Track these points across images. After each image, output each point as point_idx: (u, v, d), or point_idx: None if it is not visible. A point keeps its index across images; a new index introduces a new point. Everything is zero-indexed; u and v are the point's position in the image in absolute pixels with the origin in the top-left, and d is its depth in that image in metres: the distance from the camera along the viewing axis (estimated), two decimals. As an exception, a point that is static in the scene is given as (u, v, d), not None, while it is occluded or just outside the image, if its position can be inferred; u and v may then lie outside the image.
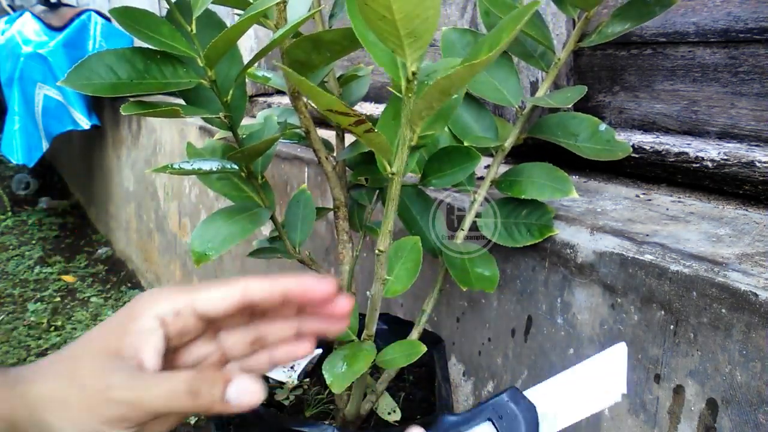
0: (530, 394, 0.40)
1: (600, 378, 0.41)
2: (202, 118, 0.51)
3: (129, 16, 0.43)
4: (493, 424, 0.39)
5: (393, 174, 0.43)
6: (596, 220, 0.62)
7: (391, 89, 0.40)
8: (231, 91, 0.48)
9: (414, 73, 0.36)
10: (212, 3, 0.46)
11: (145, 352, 0.33)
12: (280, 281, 0.35)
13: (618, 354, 0.40)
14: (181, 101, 0.54)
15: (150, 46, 0.45)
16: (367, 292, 0.54)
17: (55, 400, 0.32)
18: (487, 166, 0.66)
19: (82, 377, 0.33)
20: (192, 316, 0.35)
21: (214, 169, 0.50)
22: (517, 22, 0.32)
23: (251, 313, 0.37)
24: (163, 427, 0.36)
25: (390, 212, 0.45)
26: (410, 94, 0.38)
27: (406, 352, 0.54)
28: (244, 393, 0.33)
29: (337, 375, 0.50)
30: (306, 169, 1.10)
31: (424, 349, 0.53)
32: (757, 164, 0.62)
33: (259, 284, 0.35)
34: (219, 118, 0.49)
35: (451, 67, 0.46)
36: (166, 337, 0.34)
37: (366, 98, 1.25)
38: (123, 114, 0.42)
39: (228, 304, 0.35)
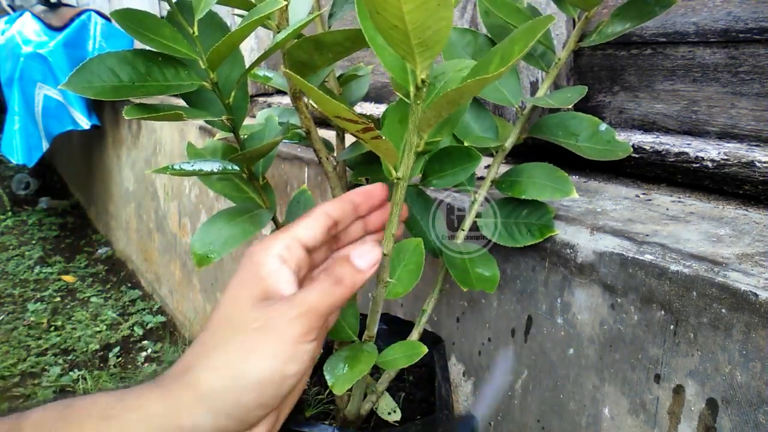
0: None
1: None
2: (204, 120, 0.51)
3: (130, 18, 0.43)
4: None
5: (398, 179, 0.43)
6: (596, 220, 0.62)
7: (397, 93, 0.41)
8: (233, 93, 0.48)
9: (423, 81, 0.36)
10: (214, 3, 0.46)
11: (283, 286, 0.38)
12: (345, 196, 0.42)
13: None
14: (182, 102, 0.54)
15: (151, 49, 0.45)
16: (369, 294, 0.54)
17: (244, 354, 0.35)
18: (487, 166, 0.66)
19: (252, 324, 0.36)
20: (299, 248, 0.39)
21: (215, 170, 0.50)
22: (530, 36, 0.32)
23: (329, 241, 0.43)
24: (324, 335, 0.43)
25: (394, 216, 0.45)
26: (419, 101, 0.37)
27: (407, 353, 0.54)
28: (366, 254, 0.40)
29: (339, 377, 0.50)
30: (306, 169, 1.10)
31: (425, 350, 0.53)
32: (757, 164, 0.62)
33: (332, 204, 0.42)
34: (221, 120, 0.49)
35: (460, 68, 0.46)
36: (293, 271, 0.39)
37: (366, 98, 1.25)
38: (125, 117, 0.42)
39: (320, 227, 0.40)
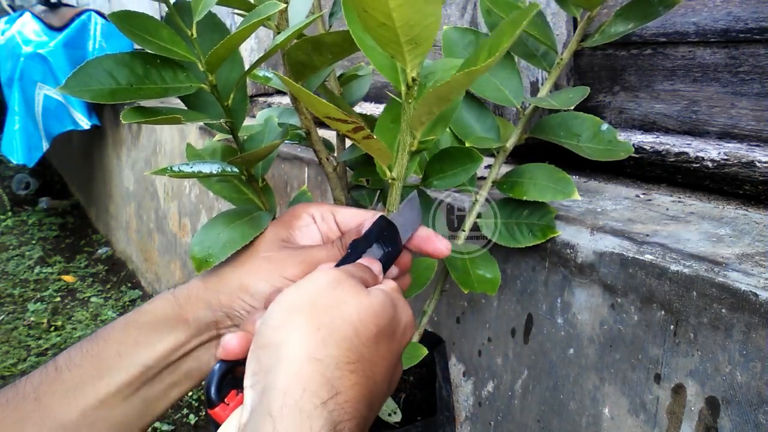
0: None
1: None
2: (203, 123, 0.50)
3: (128, 21, 0.43)
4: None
5: (393, 179, 0.43)
6: (596, 220, 0.62)
7: (389, 93, 0.41)
8: (232, 95, 0.48)
9: (414, 79, 0.36)
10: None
11: (304, 241, 0.46)
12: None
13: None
14: (181, 104, 0.53)
15: (150, 51, 0.45)
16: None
17: (247, 271, 0.44)
18: (488, 166, 0.66)
19: (262, 253, 0.44)
20: (333, 222, 0.46)
21: (214, 172, 0.49)
22: (516, 26, 0.32)
23: None
24: None
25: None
26: (410, 100, 0.37)
27: (408, 354, 0.54)
28: (350, 216, 0.45)
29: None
30: (306, 170, 1.10)
31: (425, 352, 0.53)
32: (757, 164, 0.62)
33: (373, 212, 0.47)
34: (220, 123, 0.49)
35: (449, 68, 0.46)
36: (320, 232, 0.46)
37: (366, 98, 1.25)
38: (123, 122, 0.42)
39: (356, 220, 0.45)
